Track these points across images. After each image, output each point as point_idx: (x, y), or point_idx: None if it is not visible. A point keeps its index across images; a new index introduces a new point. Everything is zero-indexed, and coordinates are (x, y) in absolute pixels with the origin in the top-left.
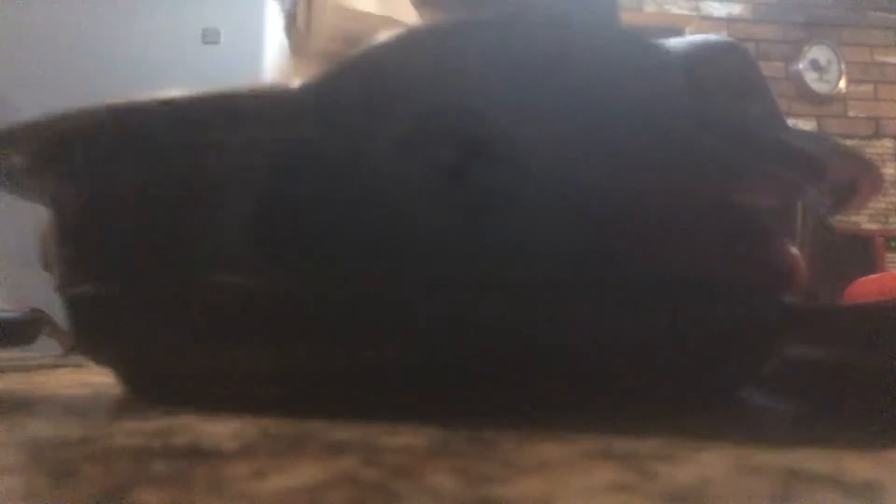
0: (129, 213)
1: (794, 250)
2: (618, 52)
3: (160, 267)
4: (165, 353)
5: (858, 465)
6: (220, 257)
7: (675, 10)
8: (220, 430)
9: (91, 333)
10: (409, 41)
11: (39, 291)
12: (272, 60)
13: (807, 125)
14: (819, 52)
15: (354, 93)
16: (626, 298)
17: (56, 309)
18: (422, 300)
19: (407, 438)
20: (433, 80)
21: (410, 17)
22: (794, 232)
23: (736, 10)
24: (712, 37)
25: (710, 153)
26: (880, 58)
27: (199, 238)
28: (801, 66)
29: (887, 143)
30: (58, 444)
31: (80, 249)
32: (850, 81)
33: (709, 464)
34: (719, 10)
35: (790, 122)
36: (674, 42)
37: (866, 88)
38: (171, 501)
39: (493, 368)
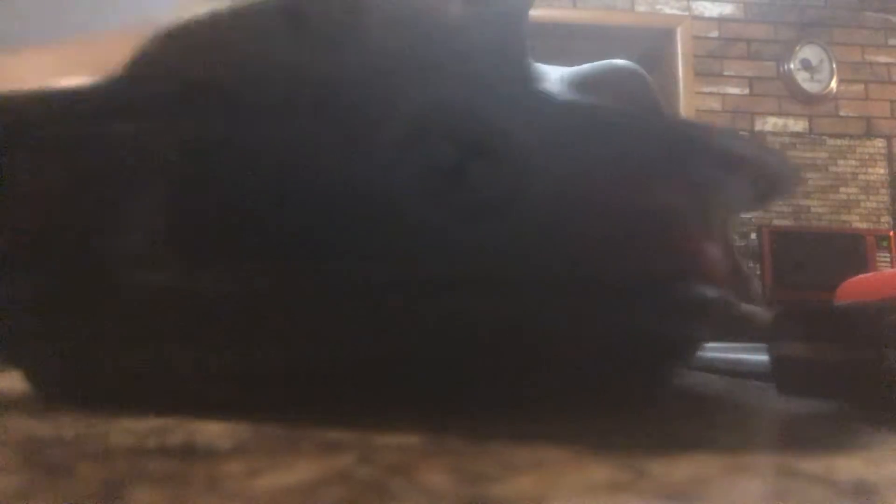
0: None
1: (711, 247)
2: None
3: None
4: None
5: (850, 465)
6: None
7: (667, 11)
8: (215, 429)
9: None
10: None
11: None
12: None
13: (798, 125)
14: (810, 52)
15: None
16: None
17: None
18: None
19: (401, 437)
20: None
21: None
22: (709, 229)
23: (727, 9)
24: (615, 61)
25: (625, 155)
26: (871, 57)
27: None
28: (792, 65)
29: (878, 142)
30: (53, 442)
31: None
32: (841, 81)
33: (702, 463)
34: (710, 10)
35: (782, 121)
36: (577, 69)
37: (857, 88)
38: (165, 500)
39: (483, 366)
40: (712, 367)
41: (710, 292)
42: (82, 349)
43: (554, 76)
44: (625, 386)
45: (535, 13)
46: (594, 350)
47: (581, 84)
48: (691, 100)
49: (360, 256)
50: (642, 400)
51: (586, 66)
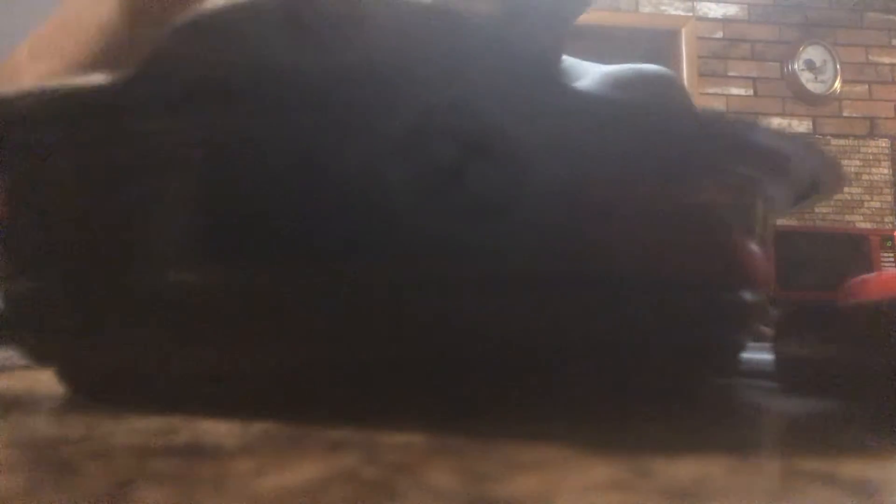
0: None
1: (754, 247)
2: None
3: (91, 266)
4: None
5: (855, 465)
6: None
7: (671, 12)
8: (221, 429)
9: (18, 329)
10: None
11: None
12: None
13: (802, 125)
14: (814, 53)
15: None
16: (606, 296)
17: None
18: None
19: (406, 437)
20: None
21: None
22: (753, 230)
23: (731, 10)
24: (645, 66)
25: (674, 154)
26: (875, 58)
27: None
28: (796, 66)
29: (882, 142)
30: (58, 442)
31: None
32: (845, 81)
33: (706, 462)
34: (715, 11)
35: (786, 122)
36: (613, 67)
37: (861, 88)
38: (171, 499)
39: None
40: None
41: (752, 296)
42: (109, 347)
43: (592, 72)
44: (655, 390)
45: None
46: (633, 353)
47: (616, 83)
48: (695, 100)
49: (370, 255)
50: (677, 405)
51: (622, 67)
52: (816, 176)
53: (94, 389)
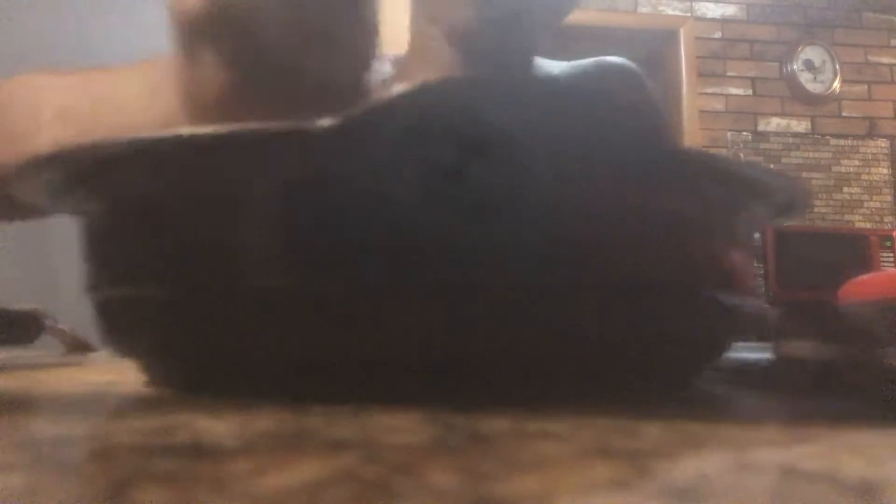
0: (163, 229)
1: (736, 255)
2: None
3: (191, 274)
4: (193, 348)
5: (854, 464)
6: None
7: (669, 12)
8: (222, 428)
9: (122, 332)
10: (430, 93)
11: (41, 290)
12: None
13: (801, 125)
14: (813, 53)
15: (384, 132)
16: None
17: (59, 308)
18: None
19: (407, 436)
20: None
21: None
22: (736, 240)
23: (730, 10)
24: (611, 57)
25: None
26: (874, 58)
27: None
28: (795, 66)
29: (881, 142)
30: (59, 442)
31: (116, 256)
32: (844, 82)
33: (706, 461)
34: (713, 11)
35: (785, 122)
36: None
37: (860, 89)
38: (172, 499)
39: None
40: (715, 366)
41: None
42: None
43: (554, 69)
44: (642, 386)
45: None
46: (609, 351)
47: (577, 76)
48: (694, 100)
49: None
50: (662, 400)
51: (584, 61)
52: (790, 196)
53: (186, 383)
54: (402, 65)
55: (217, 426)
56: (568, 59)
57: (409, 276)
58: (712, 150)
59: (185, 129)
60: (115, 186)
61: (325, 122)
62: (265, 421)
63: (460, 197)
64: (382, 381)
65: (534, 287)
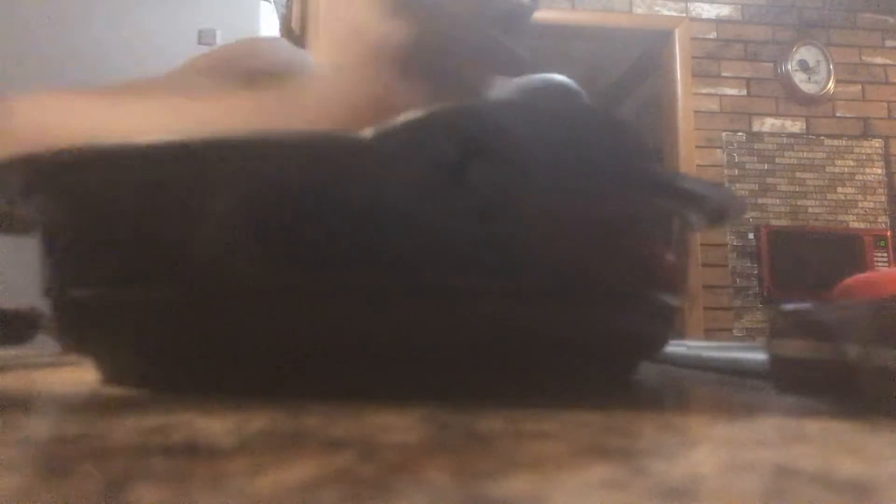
0: (130, 232)
1: (672, 258)
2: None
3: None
4: (148, 352)
5: (849, 463)
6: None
7: (665, 12)
8: (218, 427)
9: (81, 332)
10: (465, 113)
11: (37, 290)
12: None
13: (795, 126)
14: (808, 54)
15: (419, 147)
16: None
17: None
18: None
19: (403, 435)
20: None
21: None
22: (671, 244)
23: (725, 11)
24: (551, 75)
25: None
26: (868, 59)
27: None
28: (790, 66)
29: (875, 143)
30: (55, 441)
31: (75, 259)
32: (838, 82)
33: (701, 461)
34: (709, 12)
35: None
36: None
37: (855, 89)
38: (168, 498)
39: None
40: (710, 366)
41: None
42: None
43: (504, 87)
44: (600, 378)
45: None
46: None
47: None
48: (689, 101)
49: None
50: (612, 390)
51: (524, 79)
52: (721, 204)
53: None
54: (342, 69)
55: (213, 425)
56: (565, 60)
57: (424, 279)
58: (706, 149)
59: (235, 133)
60: (83, 191)
61: (368, 132)
62: (261, 420)
63: (481, 201)
64: (378, 381)
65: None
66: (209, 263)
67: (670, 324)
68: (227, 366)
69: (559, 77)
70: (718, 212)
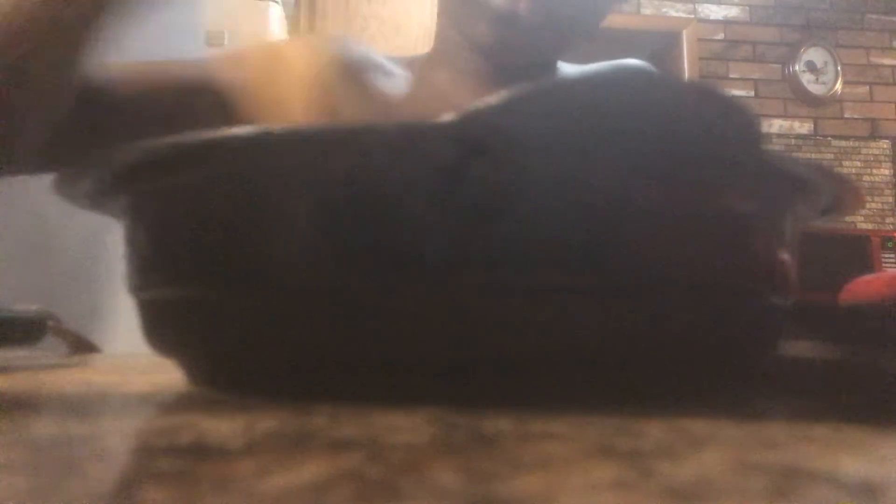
0: (217, 231)
1: (785, 256)
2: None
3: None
4: (233, 349)
5: (856, 464)
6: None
7: (672, 13)
8: (225, 428)
9: (163, 332)
10: (552, 93)
11: (45, 292)
12: None
13: (803, 127)
14: (815, 55)
15: (504, 130)
16: (635, 300)
17: (59, 309)
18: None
19: (410, 436)
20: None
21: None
22: (784, 240)
23: (733, 12)
24: (628, 60)
25: (705, 170)
26: (876, 60)
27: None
28: (797, 67)
29: (883, 143)
30: (63, 442)
31: (161, 258)
32: (846, 83)
33: (708, 462)
34: (716, 13)
35: (787, 123)
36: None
37: (862, 90)
38: (176, 499)
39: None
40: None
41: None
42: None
43: (572, 74)
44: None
45: None
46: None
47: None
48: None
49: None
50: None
51: (601, 64)
52: (837, 195)
53: (223, 381)
54: (421, 64)
55: (221, 426)
56: (573, 60)
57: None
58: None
59: (301, 125)
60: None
61: (447, 117)
62: (269, 421)
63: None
64: (386, 381)
65: (576, 287)
66: (302, 262)
67: (779, 326)
68: (310, 367)
69: (635, 61)
70: (833, 203)
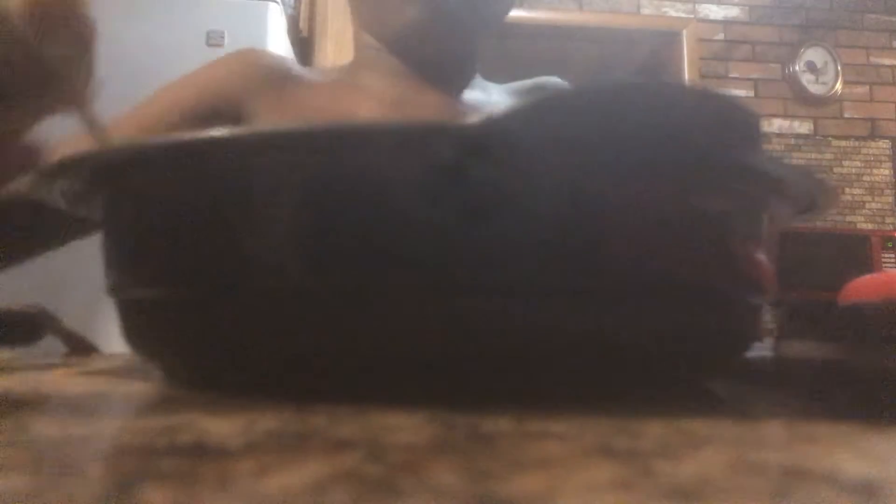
0: (193, 232)
1: (761, 256)
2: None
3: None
4: (210, 350)
5: (855, 464)
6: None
7: (672, 13)
8: (225, 428)
9: (142, 332)
10: (581, 97)
11: (45, 292)
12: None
13: (803, 127)
14: (815, 55)
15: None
16: (620, 301)
17: (60, 309)
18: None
19: (409, 435)
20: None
21: None
22: (760, 240)
23: (732, 12)
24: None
25: (686, 174)
26: (876, 60)
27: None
28: (797, 67)
29: (883, 143)
30: (62, 442)
31: (138, 259)
32: (846, 83)
33: (708, 461)
34: (716, 13)
35: (787, 123)
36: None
37: (862, 90)
38: (176, 499)
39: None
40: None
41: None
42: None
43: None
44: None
45: (542, 15)
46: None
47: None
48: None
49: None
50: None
51: (524, 82)
52: (814, 195)
53: (202, 381)
54: (346, 71)
55: (221, 426)
56: (573, 60)
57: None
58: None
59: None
60: (151, 188)
61: (473, 119)
62: (268, 421)
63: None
64: (386, 381)
65: (562, 289)
66: (303, 260)
67: (756, 325)
68: (293, 367)
69: (553, 79)
70: (809, 202)
